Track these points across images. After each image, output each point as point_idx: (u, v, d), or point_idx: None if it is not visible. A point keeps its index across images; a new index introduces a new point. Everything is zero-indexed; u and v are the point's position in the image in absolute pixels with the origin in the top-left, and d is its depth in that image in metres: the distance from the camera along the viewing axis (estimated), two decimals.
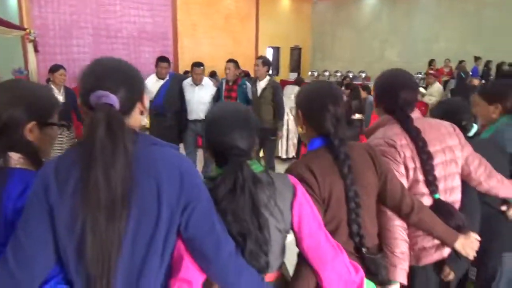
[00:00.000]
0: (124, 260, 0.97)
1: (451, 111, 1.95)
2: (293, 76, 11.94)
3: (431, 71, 8.36)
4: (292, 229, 1.24)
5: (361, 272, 1.30)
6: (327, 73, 12.10)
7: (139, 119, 1.09)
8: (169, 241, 1.02)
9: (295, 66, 13.83)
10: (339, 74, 11.67)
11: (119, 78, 1.00)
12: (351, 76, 10.79)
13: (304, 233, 1.22)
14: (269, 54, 12.47)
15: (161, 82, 4.55)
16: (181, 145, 4.63)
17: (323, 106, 1.38)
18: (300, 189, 1.25)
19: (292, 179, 1.26)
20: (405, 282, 1.50)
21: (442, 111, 1.99)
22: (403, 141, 1.57)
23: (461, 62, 9.61)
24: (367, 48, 13.00)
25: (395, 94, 1.62)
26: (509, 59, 10.07)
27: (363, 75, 11.27)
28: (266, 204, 1.17)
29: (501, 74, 8.97)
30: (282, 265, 1.31)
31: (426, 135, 1.58)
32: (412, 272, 1.55)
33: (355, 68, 12.09)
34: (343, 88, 7.19)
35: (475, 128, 2.00)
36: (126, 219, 0.95)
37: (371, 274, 1.35)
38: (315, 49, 14.62)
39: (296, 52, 14.02)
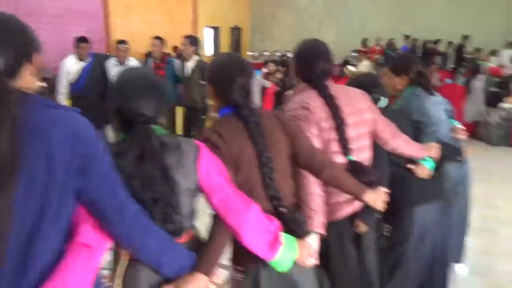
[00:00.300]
0: (15, 227, 0.92)
1: (363, 85, 2.06)
2: None
3: (362, 49, 8.75)
4: (201, 187, 1.26)
5: (276, 221, 1.36)
6: (267, 53, 12.15)
7: (31, 81, 1.02)
8: (65, 206, 0.99)
9: (235, 46, 13.75)
10: (278, 54, 11.77)
11: (1, 35, 0.93)
12: (289, 55, 10.93)
13: (212, 188, 1.26)
14: (208, 34, 12.28)
15: (82, 63, 4.37)
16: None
17: (231, 79, 1.42)
18: (205, 149, 1.29)
19: (197, 142, 1.30)
20: (322, 232, 1.59)
21: (356, 85, 2.10)
22: (317, 103, 1.64)
23: (390, 40, 10.12)
24: (305, 29, 13.20)
25: (312, 64, 1.69)
26: (438, 37, 10.88)
27: None
28: (175, 167, 1.19)
29: (425, 51, 9.59)
30: (195, 227, 1.33)
31: (339, 99, 1.67)
32: (328, 227, 1.64)
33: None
34: (279, 67, 7.27)
35: (385, 101, 2.14)
36: (15, 186, 0.90)
37: (291, 231, 1.41)
38: (255, 30, 14.61)
39: (236, 33, 13.93)
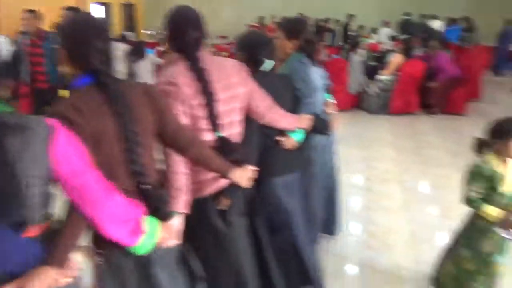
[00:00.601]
0: None
1: (250, 44, 2.03)
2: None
3: (257, 25, 8.98)
4: (54, 173, 1.14)
5: (141, 208, 1.31)
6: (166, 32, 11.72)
7: None
8: None
9: (129, 24, 12.95)
10: None
11: None
12: None
13: (67, 175, 1.14)
14: (97, 11, 11.34)
15: None
16: None
17: (87, 42, 1.27)
18: (60, 129, 1.14)
19: (49, 121, 1.14)
20: (186, 211, 1.57)
21: (242, 44, 2.07)
22: (185, 79, 1.58)
23: (284, 18, 10.51)
24: (204, 6, 12.97)
25: (183, 33, 1.61)
26: (328, 15, 11.55)
27: None
28: (18, 151, 1.04)
29: (317, 28, 10.20)
30: (51, 217, 1.23)
31: (211, 73, 1.62)
32: (194, 204, 1.63)
33: None
34: None
35: (270, 63, 2.09)
36: None
37: (154, 210, 1.37)
38: (150, 6, 13.93)
39: (128, 9, 13.11)
